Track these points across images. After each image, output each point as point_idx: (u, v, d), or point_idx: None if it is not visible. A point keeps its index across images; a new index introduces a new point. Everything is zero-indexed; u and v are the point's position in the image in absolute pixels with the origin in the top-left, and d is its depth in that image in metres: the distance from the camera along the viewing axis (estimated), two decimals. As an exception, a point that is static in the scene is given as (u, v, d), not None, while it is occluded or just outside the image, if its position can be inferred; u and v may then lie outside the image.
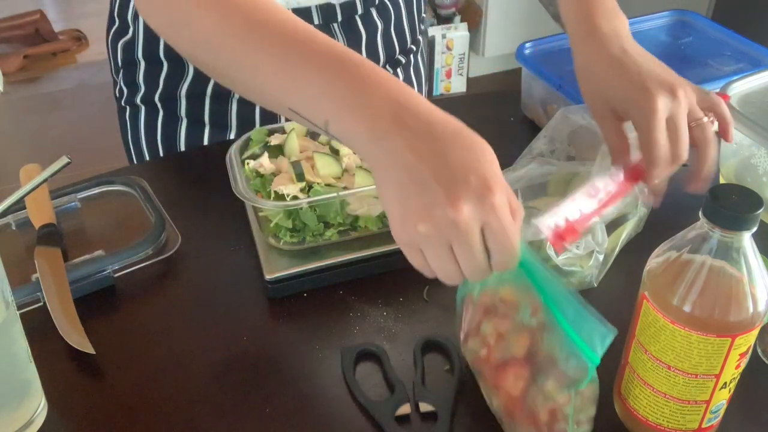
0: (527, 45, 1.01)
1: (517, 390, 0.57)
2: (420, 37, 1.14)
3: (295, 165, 0.76)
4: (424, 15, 1.12)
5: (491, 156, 0.53)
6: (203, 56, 0.66)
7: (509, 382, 0.58)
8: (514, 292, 0.58)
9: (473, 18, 3.01)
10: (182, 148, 1.07)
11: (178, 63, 1.00)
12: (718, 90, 0.84)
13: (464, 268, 0.54)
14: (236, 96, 1.01)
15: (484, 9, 2.97)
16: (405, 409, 0.64)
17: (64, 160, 0.75)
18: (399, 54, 1.08)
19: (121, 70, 1.06)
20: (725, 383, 0.57)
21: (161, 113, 1.05)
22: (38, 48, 3.35)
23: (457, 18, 3.00)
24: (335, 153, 0.81)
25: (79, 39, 3.48)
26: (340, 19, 0.98)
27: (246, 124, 1.03)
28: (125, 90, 1.07)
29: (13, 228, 0.84)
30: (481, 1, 2.99)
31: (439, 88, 3.05)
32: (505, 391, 0.59)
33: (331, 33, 0.97)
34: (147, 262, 0.79)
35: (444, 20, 2.99)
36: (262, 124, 1.04)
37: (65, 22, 3.62)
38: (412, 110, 0.54)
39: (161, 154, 1.08)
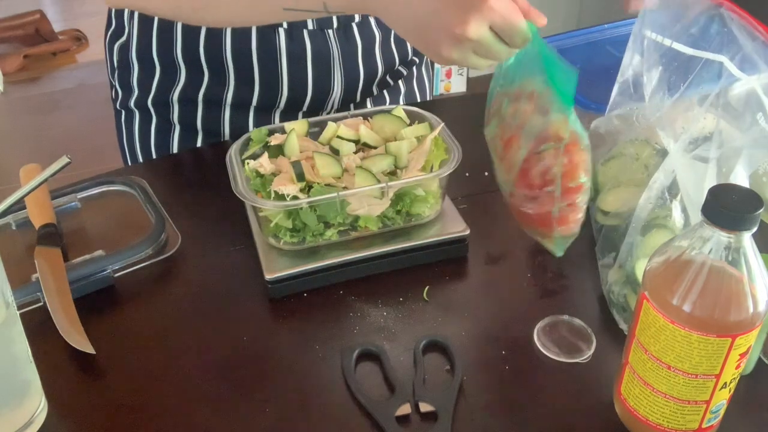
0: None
1: (519, 158, 0.67)
2: None
3: (295, 165, 0.76)
4: None
5: None
6: None
7: (513, 152, 0.68)
8: (530, 83, 0.68)
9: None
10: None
11: (170, 67, 1.00)
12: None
13: (491, 59, 0.65)
14: (229, 102, 1.01)
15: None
16: (405, 409, 0.64)
17: (64, 160, 0.75)
18: (399, 65, 1.07)
19: (116, 72, 1.06)
20: (725, 383, 0.57)
21: (154, 119, 1.05)
22: (38, 48, 3.35)
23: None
24: (335, 153, 0.81)
25: (79, 39, 3.48)
26: (335, 26, 0.97)
27: (239, 132, 1.03)
28: (120, 93, 1.07)
29: (13, 228, 0.84)
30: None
31: (439, 88, 3.05)
32: (509, 162, 0.68)
33: (326, 40, 0.97)
34: (147, 262, 0.79)
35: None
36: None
37: (65, 22, 3.62)
38: None
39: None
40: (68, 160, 0.75)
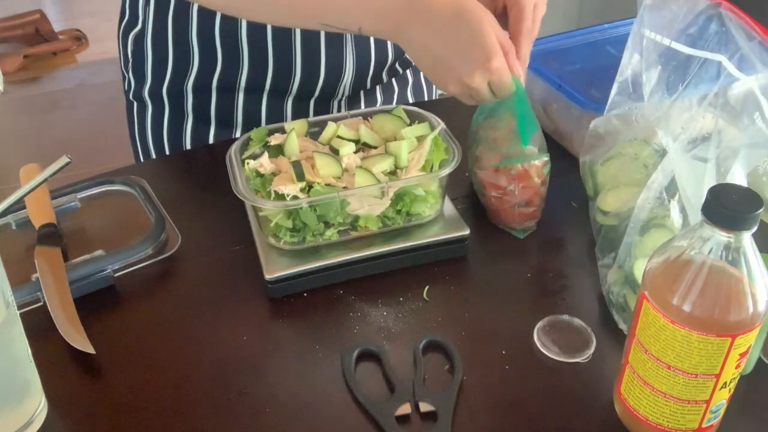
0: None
1: (489, 167, 0.84)
2: None
3: (295, 165, 0.76)
4: None
5: (487, 25, 0.73)
6: None
7: (484, 162, 0.85)
8: (507, 116, 0.83)
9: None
10: (187, 148, 1.07)
11: (185, 52, 1.01)
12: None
13: (479, 102, 0.80)
14: (243, 86, 1.02)
15: (484, 9, 2.96)
16: (405, 409, 0.64)
17: (64, 159, 0.75)
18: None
19: (131, 61, 1.07)
20: (725, 383, 0.57)
21: (167, 110, 1.06)
22: (38, 48, 3.36)
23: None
24: (335, 153, 0.81)
25: (79, 39, 3.48)
26: None
27: (251, 121, 1.04)
28: (133, 83, 1.08)
29: (13, 228, 0.84)
30: (481, 1, 2.98)
31: (439, 88, 3.04)
32: (483, 169, 0.85)
33: None
34: (147, 262, 0.79)
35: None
36: (267, 120, 1.05)
37: (65, 22, 3.62)
38: (424, 3, 0.74)
39: (167, 152, 1.09)
40: (68, 159, 0.75)
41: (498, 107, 0.83)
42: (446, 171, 0.77)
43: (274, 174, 0.79)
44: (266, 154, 0.81)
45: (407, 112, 0.87)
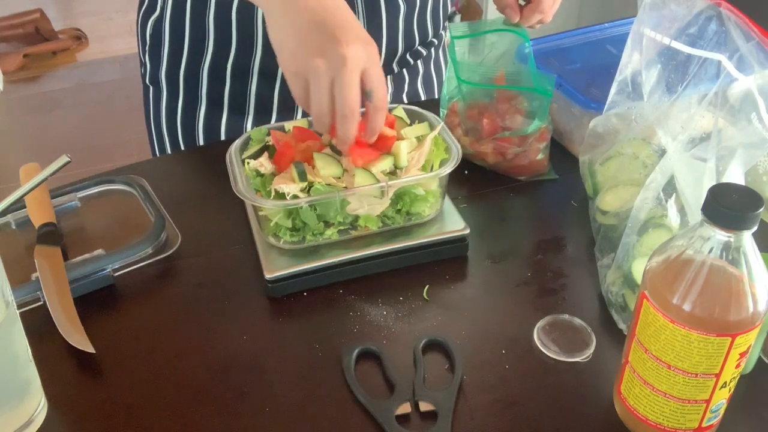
0: (527, 44, 1.01)
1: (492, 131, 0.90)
2: (443, 33, 1.14)
3: (297, 165, 0.76)
4: (450, 11, 1.13)
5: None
6: None
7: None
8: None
9: (474, 17, 3.01)
10: (200, 134, 1.08)
11: (200, 38, 1.02)
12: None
13: (338, 104, 0.67)
14: (257, 70, 1.02)
15: (485, 8, 2.97)
16: (405, 408, 0.64)
17: (63, 159, 0.75)
18: (419, 45, 1.08)
19: (148, 44, 1.08)
20: (725, 383, 0.57)
21: (182, 96, 1.07)
22: (38, 47, 3.35)
23: (458, 17, 3.00)
24: (336, 153, 0.81)
25: (79, 38, 3.48)
26: None
27: (264, 107, 1.05)
28: (149, 66, 1.09)
29: (13, 227, 0.85)
30: (482, 0, 2.99)
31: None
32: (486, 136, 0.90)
33: (352, 6, 0.97)
34: (147, 261, 0.79)
35: (444, 19, 2.99)
36: (279, 105, 1.05)
37: (65, 21, 3.62)
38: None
39: (180, 138, 1.11)
40: (68, 159, 0.75)
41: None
42: (446, 170, 0.77)
43: (274, 174, 0.79)
44: (266, 154, 0.81)
45: (407, 111, 0.87)
